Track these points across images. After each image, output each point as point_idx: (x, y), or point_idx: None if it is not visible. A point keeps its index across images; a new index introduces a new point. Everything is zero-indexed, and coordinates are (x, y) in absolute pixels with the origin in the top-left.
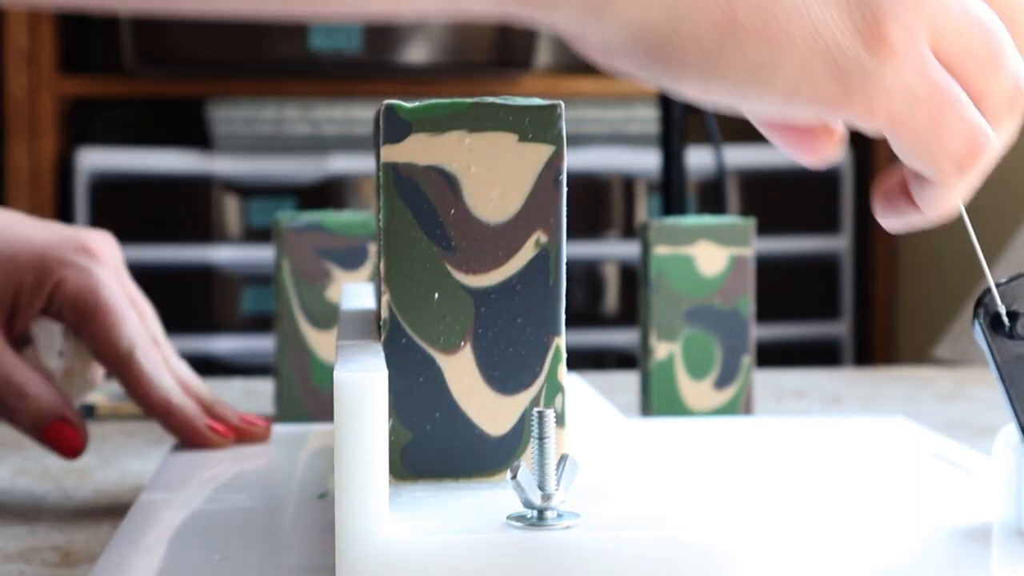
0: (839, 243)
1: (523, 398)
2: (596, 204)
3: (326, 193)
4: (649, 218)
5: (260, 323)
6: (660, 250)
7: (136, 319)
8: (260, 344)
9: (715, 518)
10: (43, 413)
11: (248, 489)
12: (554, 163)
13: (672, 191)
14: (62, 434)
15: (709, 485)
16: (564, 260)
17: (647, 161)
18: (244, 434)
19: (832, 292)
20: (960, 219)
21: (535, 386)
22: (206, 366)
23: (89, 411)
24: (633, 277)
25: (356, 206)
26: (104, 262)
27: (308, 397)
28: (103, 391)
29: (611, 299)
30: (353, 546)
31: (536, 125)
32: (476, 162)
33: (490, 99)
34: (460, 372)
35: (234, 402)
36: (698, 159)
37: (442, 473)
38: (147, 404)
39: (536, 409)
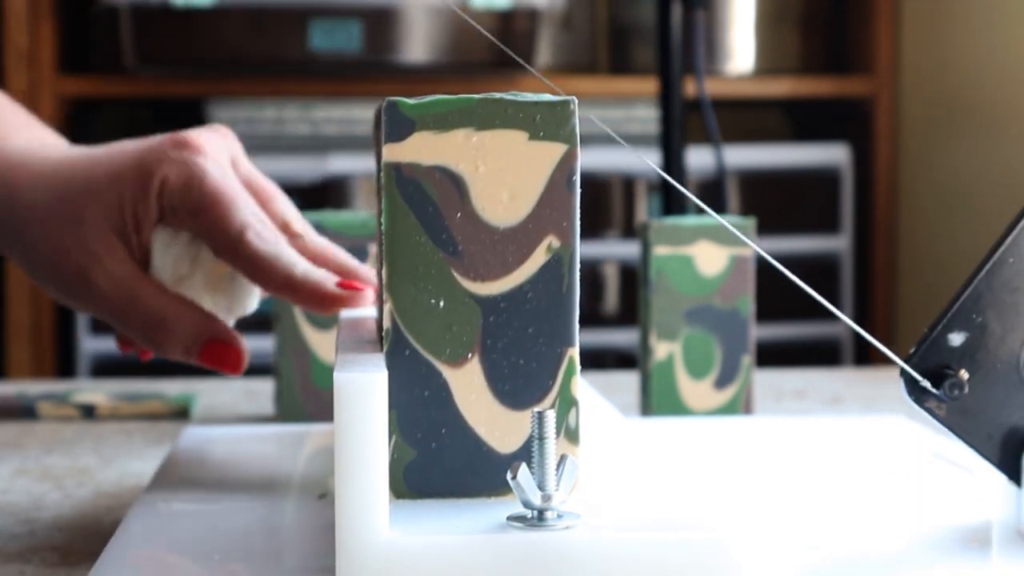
0: (839, 243)
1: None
2: (596, 204)
3: (326, 193)
4: (649, 218)
5: (260, 323)
6: (660, 250)
7: (250, 202)
8: (260, 344)
9: (715, 518)
10: (193, 339)
11: (248, 489)
12: (567, 163)
13: (672, 191)
14: (218, 354)
15: (709, 485)
16: (578, 266)
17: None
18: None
19: (832, 292)
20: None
21: (547, 400)
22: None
23: (89, 411)
24: (633, 277)
25: (356, 206)
26: (207, 152)
27: (308, 397)
28: (103, 391)
29: (611, 299)
30: (353, 546)
31: (548, 122)
32: (484, 162)
33: (498, 95)
34: (467, 386)
35: (234, 402)
36: (698, 159)
37: (448, 493)
38: (271, 284)
39: (536, 409)
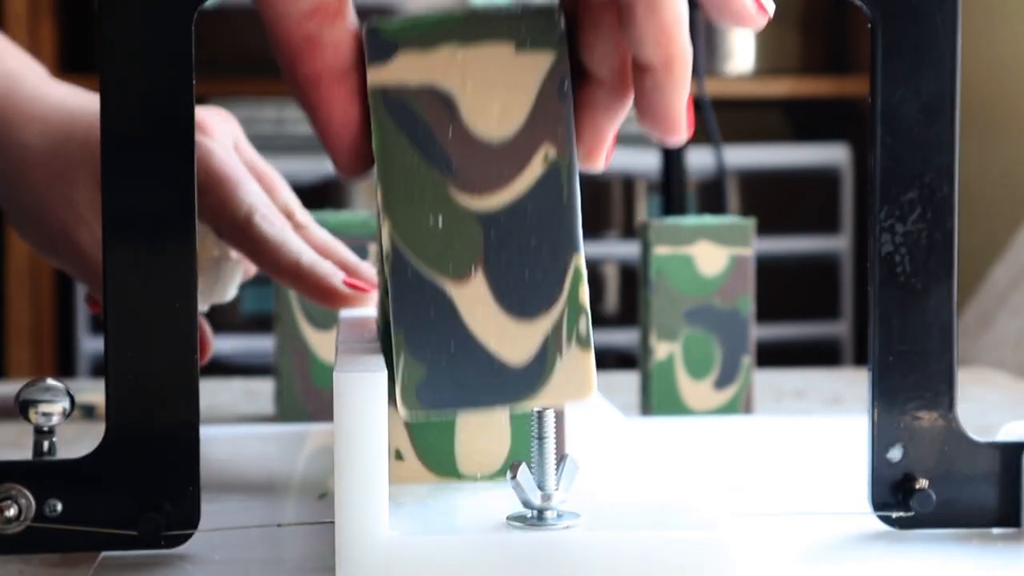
0: (839, 243)
1: (543, 323)
2: (596, 204)
3: (326, 193)
4: (649, 218)
5: (260, 323)
6: (660, 250)
7: (255, 186)
8: (260, 344)
9: (715, 518)
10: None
11: (248, 489)
12: (557, 72)
13: (672, 191)
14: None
15: (709, 485)
16: (577, 175)
17: (647, 161)
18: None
19: (832, 292)
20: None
21: (555, 309)
22: (206, 366)
23: (89, 411)
24: (633, 277)
25: (356, 206)
26: (213, 134)
27: (308, 397)
28: (103, 391)
29: (611, 299)
30: (353, 546)
31: (534, 32)
32: (472, 77)
33: (481, 6)
34: (473, 300)
35: (234, 402)
36: (698, 159)
37: (461, 405)
38: (274, 269)
39: (536, 409)
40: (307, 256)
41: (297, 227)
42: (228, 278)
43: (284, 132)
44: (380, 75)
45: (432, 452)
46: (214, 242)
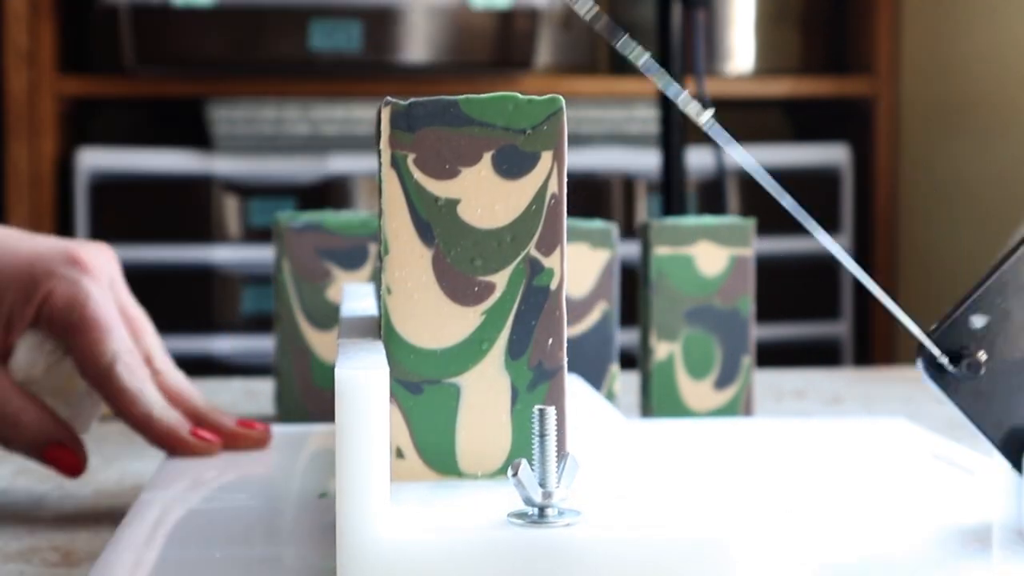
0: (839, 243)
1: None
2: (596, 204)
3: (326, 193)
4: (649, 218)
5: (260, 323)
6: (660, 250)
7: (123, 333)
8: (260, 344)
9: (715, 518)
10: (38, 440)
11: (248, 489)
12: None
13: (672, 191)
14: (59, 457)
15: (709, 485)
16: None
17: (647, 161)
18: (240, 439)
19: (832, 292)
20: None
21: None
22: (206, 366)
23: None
24: (633, 277)
25: (356, 206)
26: (95, 274)
27: (308, 397)
28: None
29: None
30: (353, 546)
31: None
32: None
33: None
34: None
35: (234, 402)
36: (698, 159)
37: None
38: (128, 418)
39: (537, 407)
40: (158, 409)
41: (155, 372)
42: (87, 414)
43: (284, 132)
44: None
45: (433, 450)
46: (39, 365)
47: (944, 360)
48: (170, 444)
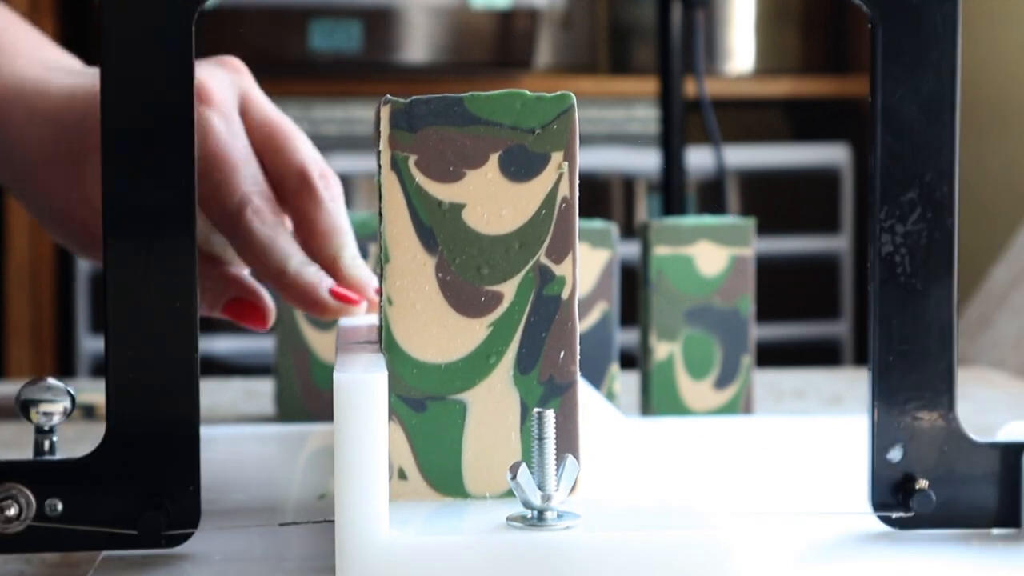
0: (839, 243)
1: None
2: (596, 204)
3: None
4: (649, 218)
5: None
6: (660, 250)
7: (253, 169)
8: (260, 344)
9: (715, 518)
10: (213, 296)
11: (248, 489)
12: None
13: (672, 191)
14: (242, 311)
15: (709, 485)
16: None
17: (647, 161)
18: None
19: (832, 292)
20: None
21: None
22: (206, 366)
23: (89, 411)
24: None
25: (356, 206)
26: (216, 103)
27: (308, 397)
28: (103, 391)
29: None
30: (353, 546)
31: None
32: None
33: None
34: None
35: (234, 402)
36: (698, 159)
37: None
38: (261, 271)
39: (536, 410)
40: (294, 263)
41: (311, 192)
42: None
43: None
44: None
45: (438, 471)
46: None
47: (901, 512)
48: (306, 304)
